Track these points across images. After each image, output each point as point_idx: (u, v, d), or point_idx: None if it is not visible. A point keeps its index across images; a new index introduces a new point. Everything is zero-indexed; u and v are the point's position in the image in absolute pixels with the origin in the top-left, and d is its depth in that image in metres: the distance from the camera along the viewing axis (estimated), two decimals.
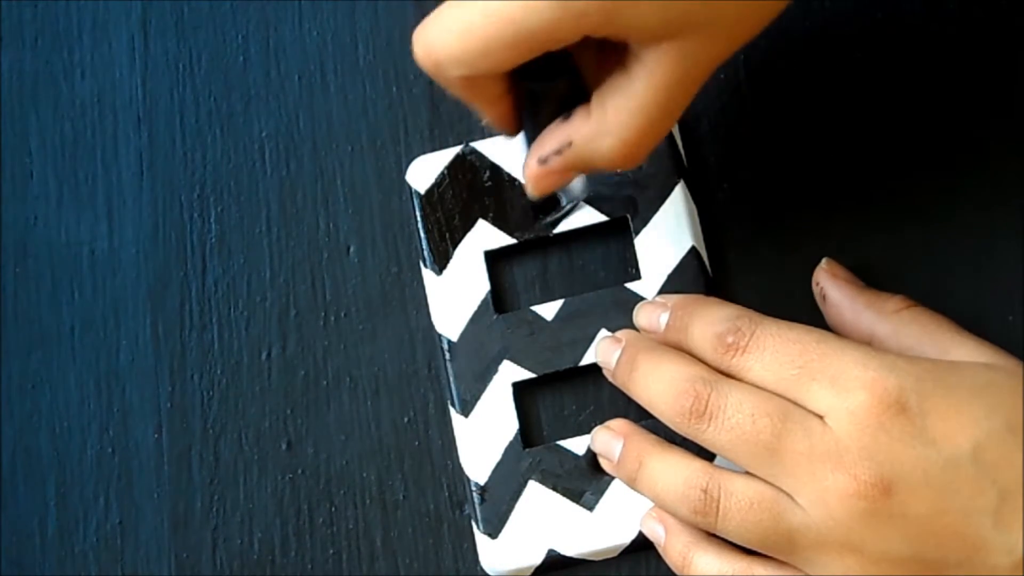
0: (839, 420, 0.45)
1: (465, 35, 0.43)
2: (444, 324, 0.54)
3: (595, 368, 0.53)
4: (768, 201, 0.55)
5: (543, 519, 0.52)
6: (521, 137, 0.49)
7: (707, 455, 0.49)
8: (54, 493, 0.55)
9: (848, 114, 0.55)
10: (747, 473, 0.47)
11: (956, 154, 0.54)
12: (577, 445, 0.53)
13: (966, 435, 0.45)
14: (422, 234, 0.55)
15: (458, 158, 0.55)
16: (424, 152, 0.56)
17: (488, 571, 0.53)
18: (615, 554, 0.53)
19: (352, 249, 0.56)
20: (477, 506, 0.53)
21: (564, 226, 0.54)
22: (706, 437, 0.47)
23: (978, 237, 0.54)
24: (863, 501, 0.45)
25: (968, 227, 0.54)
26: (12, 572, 0.54)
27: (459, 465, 0.54)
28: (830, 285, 0.52)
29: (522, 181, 0.49)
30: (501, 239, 0.54)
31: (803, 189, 0.55)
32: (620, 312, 0.53)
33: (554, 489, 0.53)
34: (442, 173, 0.55)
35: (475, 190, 0.55)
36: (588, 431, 0.53)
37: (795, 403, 0.46)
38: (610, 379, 0.52)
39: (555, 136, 0.47)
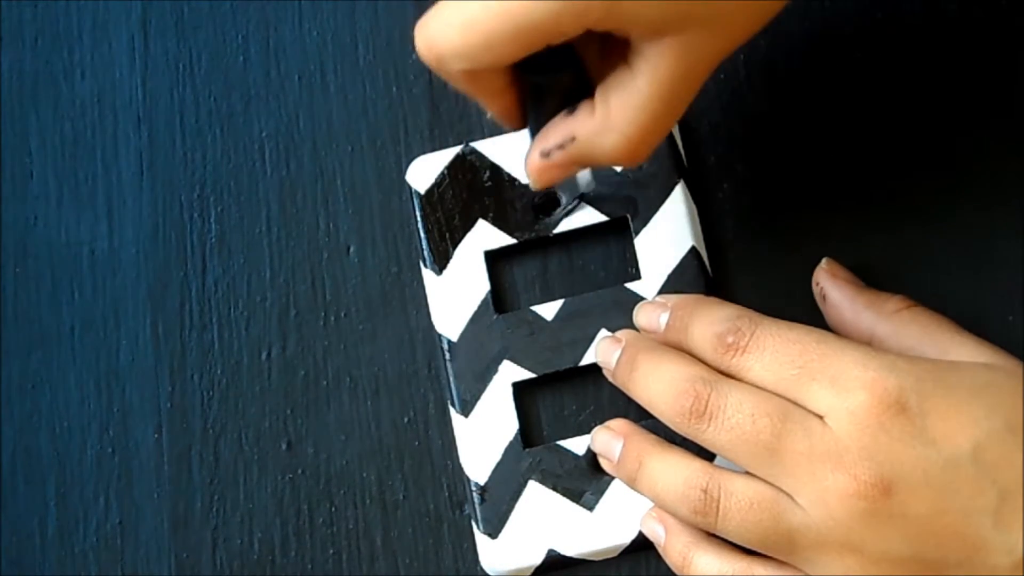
0: (839, 420, 0.45)
1: (467, 28, 0.43)
2: (444, 324, 0.54)
3: (595, 368, 0.53)
4: (768, 201, 0.55)
5: (543, 519, 0.52)
6: (527, 132, 0.48)
7: (707, 455, 0.49)
8: (54, 493, 0.55)
9: (848, 114, 0.55)
10: (747, 473, 0.47)
11: (956, 154, 0.54)
12: (577, 445, 0.53)
13: (966, 435, 0.45)
14: (422, 234, 0.55)
15: (458, 158, 0.55)
16: (424, 152, 0.56)
17: (488, 571, 0.53)
18: (615, 554, 0.53)
19: (352, 249, 0.56)
20: (477, 506, 0.53)
21: (564, 226, 0.54)
22: (706, 437, 0.47)
23: (978, 237, 0.54)
24: (863, 501, 0.45)
25: (968, 227, 0.54)
26: (12, 572, 0.54)
27: (459, 465, 0.54)
28: (830, 285, 0.52)
29: (524, 174, 0.48)
30: (501, 239, 0.54)
31: (803, 189, 0.55)
32: (620, 312, 0.53)
33: (554, 489, 0.53)
34: (442, 173, 0.55)
35: (475, 190, 0.55)
36: (588, 431, 0.53)
37: (795, 403, 0.46)
38: (610, 379, 0.52)
39: (558, 130, 0.46)
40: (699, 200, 0.55)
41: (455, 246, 0.54)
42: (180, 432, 0.55)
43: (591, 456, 0.53)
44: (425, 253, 0.55)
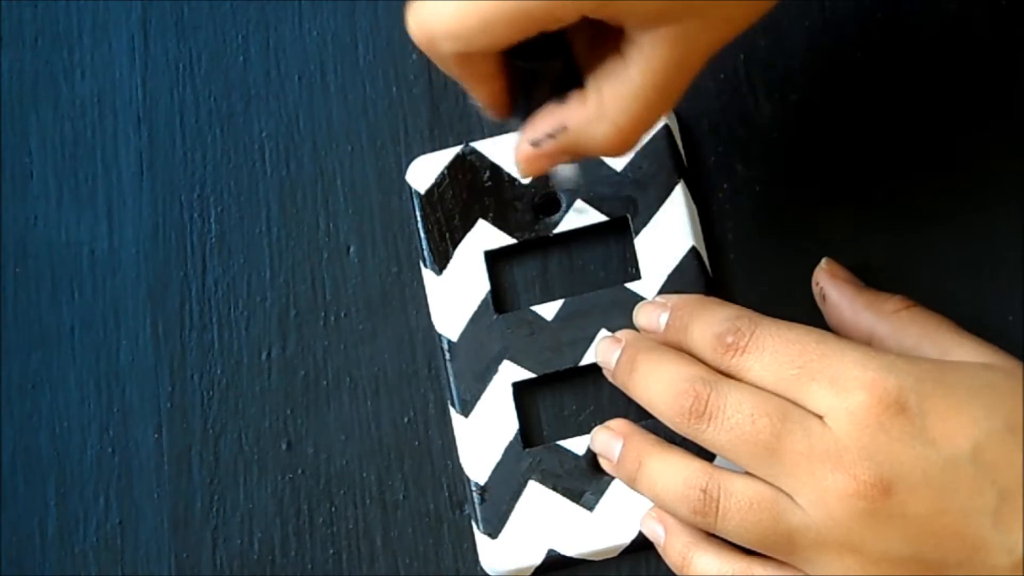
0: (838, 420, 0.45)
1: (462, 11, 0.43)
2: (444, 324, 0.54)
3: (595, 368, 0.53)
4: (768, 201, 0.55)
5: (543, 519, 0.52)
6: (515, 122, 0.48)
7: (707, 455, 0.49)
8: (54, 493, 0.55)
9: (848, 114, 0.55)
10: (747, 473, 0.47)
11: (956, 154, 0.54)
12: (577, 445, 0.53)
13: (965, 435, 0.45)
14: (422, 234, 0.55)
15: (458, 158, 0.55)
16: (424, 152, 0.56)
17: (488, 571, 0.53)
18: (615, 554, 0.53)
19: (352, 249, 0.56)
20: (477, 506, 0.53)
21: (564, 226, 0.54)
22: (706, 437, 0.47)
23: (978, 237, 0.54)
24: (862, 501, 0.45)
25: (968, 227, 0.54)
26: (12, 572, 0.54)
27: (459, 465, 0.53)
28: (830, 285, 0.52)
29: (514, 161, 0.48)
30: (501, 239, 0.54)
31: (803, 189, 0.55)
32: (620, 312, 0.53)
33: (554, 489, 0.53)
34: (442, 173, 0.55)
35: (475, 190, 0.55)
36: (588, 431, 0.53)
37: (795, 403, 0.46)
38: (610, 379, 0.52)
39: (549, 119, 0.46)
40: (699, 200, 0.55)
41: (455, 246, 0.54)
42: (180, 432, 0.55)
43: (591, 456, 0.53)
44: (425, 253, 0.55)
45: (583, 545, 0.52)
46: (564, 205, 0.54)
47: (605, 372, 0.52)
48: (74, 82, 0.58)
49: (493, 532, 0.53)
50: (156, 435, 0.55)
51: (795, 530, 0.46)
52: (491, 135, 0.55)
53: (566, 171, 0.51)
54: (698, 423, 0.47)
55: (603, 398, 0.54)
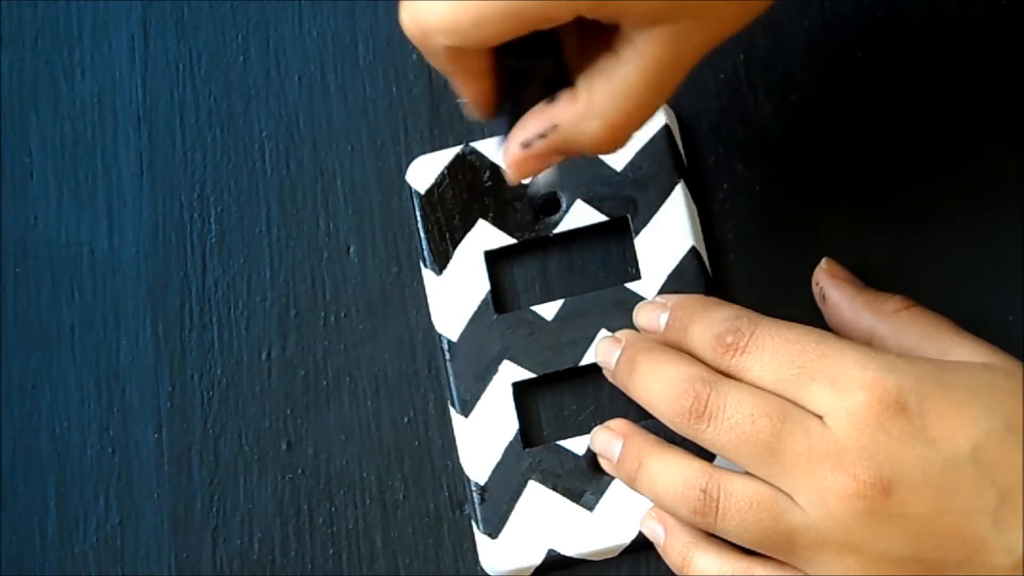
0: (838, 420, 0.45)
1: (456, 5, 0.42)
2: (444, 324, 0.54)
3: (595, 368, 0.53)
4: (768, 201, 0.55)
5: (543, 519, 0.52)
6: (499, 125, 0.48)
7: (707, 455, 0.49)
8: (54, 493, 0.55)
9: (848, 114, 0.55)
10: (747, 473, 0.47)
11: (956, 154, 0.54)
12: (577, 445, 0.53)
13: (965, 435, 0.45)
14: (422, 234, 0.55)
15: (458, 158, 0.55)
16: (424, 152, 0.56)
17: (488, 571, 0.53)
18: (615, 554, 0.53)
19: (352, 249, 0.56)
20: (477, 506, 0.53)
21: (564, 226, 0.54)
22: (705, 437, 0.47)
23: (978, 237, 0.54)
24: (862, 501, 0.45)
25: (968, 227, 0.54)
26: (12, 572, 0.54)
27: (459, 465, 0.53)
28: (830, 285, 0.52)
29: (503, 166, 0.47)
30: (501, 239, 0.54)
31: (803, 189, 0.55)
32: (620, 312, 0.53)
33: (554, 489, 0.53)
34: (442, 173, 0.55)
35: (475, 190, 0.55)
36: (588, 431, 0.53)
37: (794, 403, 0.46)
38: (610, 379, 0.52)
39: (539, 119, 0.46)
40: (699, 200, 0.55)
41: (455, 246, 0.54)
42: (180, 432, 0.55)
43: (591, 456, 0.53)
44: (425, 253, 0.55)
45: (583, 545, 0.52)
46: (564, 205, 0.54)
47: (605, 372, 0.52)
48: (74, 82, 0.58)
49: (493, 532, 0.53)
50: (156, 435, 0.55)
51: (795, 530, 0.46)
52: (491, 135, 0.55)
53: (545, 174, 0.50)
54: (698, 423, 0.47)
55: (603, 398, 0.54)
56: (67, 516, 0.55)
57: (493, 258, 0.55)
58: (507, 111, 0.47)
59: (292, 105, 0.57)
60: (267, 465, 0.55)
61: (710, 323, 0.49)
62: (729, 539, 0.48)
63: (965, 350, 0.49)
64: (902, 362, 0.46)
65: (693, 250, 0.54)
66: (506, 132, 0.47)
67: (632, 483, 0.50)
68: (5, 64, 0.58)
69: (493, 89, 0.46)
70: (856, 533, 0.45)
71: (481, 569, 0.53)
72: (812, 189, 0.55)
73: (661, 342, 0.50)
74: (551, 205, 0.55)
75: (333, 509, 0.54)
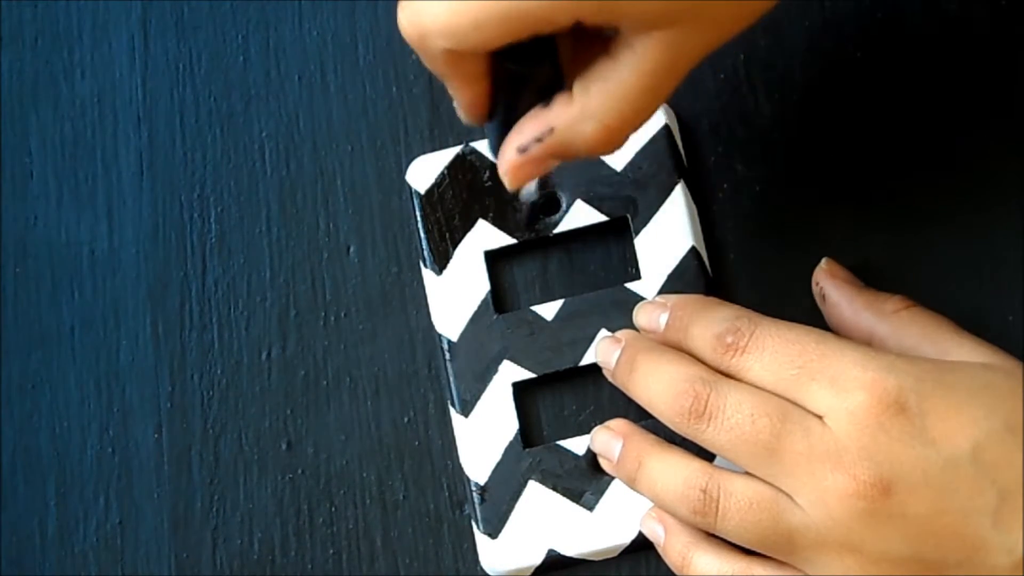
0: (838, 420, 0.45)
1: (457, 8, 0.42)
2: (444, 324, 0.54)
3: (595, 368, 0.53)
4: (768, 201, 0.55)
5: (543, 519, 0.52)
6: (489, 131, 0.47)
7: (707, 455, 0.49)
8: (54, 493, 0.55)
9: (848, 114, 0.55)
10: (747, 473, 0.47)
11: (956, 154, 0.54)
12: (577, 445, 0.53)
13: (965, 435, 0.45)
14: (422, 234, 0.55)
15: (458, 158, 0.55)
16: (424, 152, 0.56)
17: (488, 571, 0.53)
18: (615, 554, 0.53)
19: (352, 249, 0.56)
20: (477, 506, 0.53)
21: (564, 226, 0.54)
22: (705, 437, 0.47)
23: (978, 237, 0.54)
24: (862, 501, 0.45)
25: (968, 227, 0.54)
26: (12, 572, 0.54)
27: (459, 465, 0.53)
28: (830, 285, 0.52)
29: (500, 173, 0.47)
30: (501, 239, 0.54)
31: (803, 189, 0.55)
32: (620, 312, 0.53)
33: (554, 489, 0.53)
34: (442, 173, 0.55)
35: (475, 190, 0.55)
36: (588, 431, 0.53)
37: (794, 403, 0.46)
38: (610, 379, 0.52)
39: (535, 123, 0.45)
40: (699, 200, 0.55)
41: (455, 246, 0.54)
42: (180, 432, 0.55)
43: (591, 456, 0.53)
44: (425, 253, 0.55)
45: (583, 545, 0.52)
46: (564, 205, 0.54)
47: (605, 372, 0.52)
48: (74, 82, 0.58)
49: (493, 532, 0.53)
50: (156, 435, 0.55)
51: (795, 530, 0.46)
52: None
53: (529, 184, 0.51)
54: (698, 423, 0.47)
55: (603, 398, 0.54)
56: (67, 516, 0.55)
57: (493, 258, 0.55)
58: (500, 115, 0.46)
59: (292, 105, 0.57)
60: (267, 465, 0.55)
61: (710, 323, 0.49)
62: (729, 539, 0.48)
63: (965, 350, 0.49)
64: (902, 362, 0.46)
65: (693, 250, 0.54)
66: (498, 136, 0.47)
67: (632, 483, 0.50)
68: (5, 64, 0.58)
69: (487, 94, 0.46)
70: (856, 533, 0.45)
71: (481, 569, 0.53)
72: (812, 189, 0.55)
73: (661, 342, 0.50)
74: (551, 205, 0.55)
75: (333, 509, 0.54)
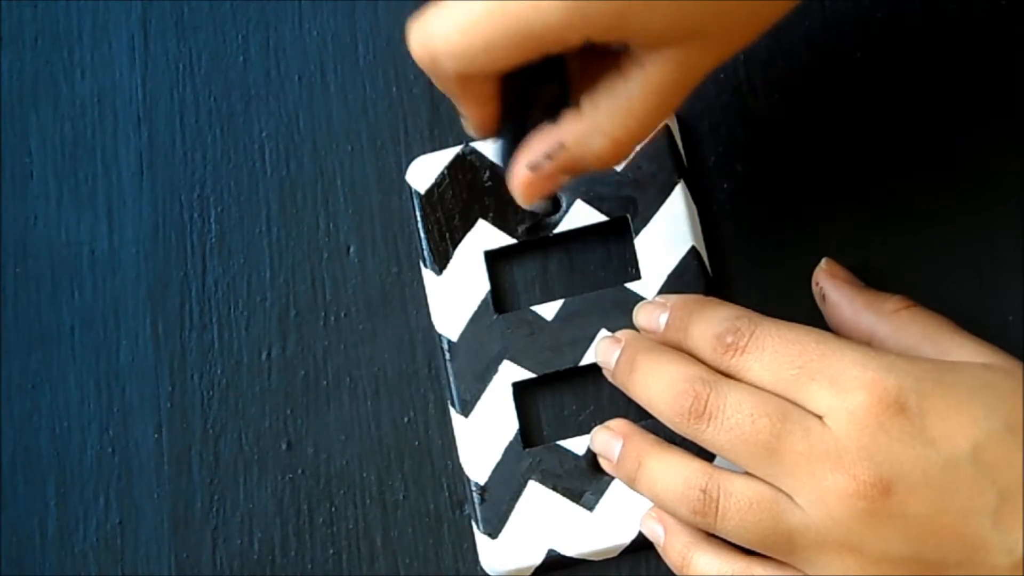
0: (838, 420, 0.45)
1: (468, 31, 0.43)
2: (444, 324, 0.54)
3: (595, 368, 0.53)
4: (768, 201, 0.55)
5: (543, 519, 0.52)
6: (496, 146, 0.48)
7: (707, 455, 0.49)
8: (54, 493, 0.55)
9: (848, 114, 0.55)
10: (746, 473, 0.47)
11: (956, 154, 0.54)
12: (577, 445, 0.53)
13: (965, 435, 0.45)
14: (422, 234, 0.55)
15: (458, 158, 0.55)
16: (424, 152, 0.56)
17: (488, 571, 0.53)
18: (615, 554, 0.53)
19: (352, 249, 0.56)
20: (477, 506, 0.53)
21: (564, 226, 0.54)
22: (705, 437, 0.47)
23: (978, 237, 0.54)
24: (862, 501, 0.45)
25: (968, 227, 0.54)
26: (12, 572, 0.54)
27: (459, 465, 0.54)
28: (829, 285, 0.52)
29: (510, 189, 0.47)
30: (501, 239, 0.54)
31: (803, 189, 0.55)
32: (620, 312, 0.53)
33: (554, 489, 0.53)
34: (442, 173, 0.55)
35: (475, 190, 0.55)
36: (588, 431, 0.53)
37: (794, 403, 0.46)
38: (610, 379, 0.52)
39: (545, 140, 0.46)
40: (699, 200, 0.55)
41: (455, 246, 0.54)
42: (180, 432, 0.55)
43: (591, 456, 0.53)
44: (425, 253, 0.55)
45: (583, 545, 0.52)
46: (564, 205, 0.54)
47: (605, 372, 0.52)
48: (74, 82, 0.58)
49: (493, 532, 0.53)
50: (156, 435, 0.55)
51: (795, 530, 0.46)
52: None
53: None
54: (698, 423, 0.47)
55: (603, 398, 0.54)
56: (67, 516, 0.55)
57: (493, 258, 0.55)
58: (509, 132, 0.47)
59: (292, 105, 0.57)
60: (267, 465, 0.55)
61: (710, 323, 0.49)
62: (729, 539, 0.48)
63: (965, 350, 0.49)
64: (902, 362, 0.46)
65: (693, 250, 0.54)
66: (506, 152, 0.47)
67: (632, 483, 0.50)
68: (5, 64, 0.58)
69: (497, 112, 0.46)
70: (856, 533, 0.45)
71: (481, 569, 0.53)
72: (812, 189, 0.55)
73: (661, 342, 0.50)
74: (551, 205, 0.55)
75: (333, 509, 0.54)
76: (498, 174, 0.55)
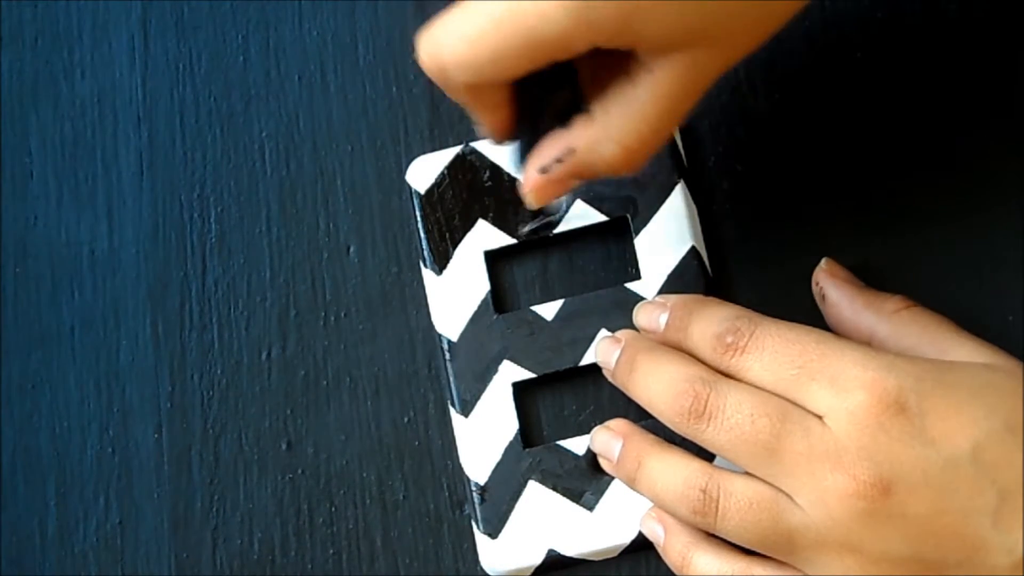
0: (838, 420, 0.45)
1: (475, 42, 0.43)
2: (444, 324, 0.54)
3: (595, 368, 0.53)
4: (768, 201, 0.55)
5: (543, 519, 0.52)
6: (512, 148, 0.48)
7: (707, 455, 0.49)
8: (54, 493, 0.55)
9: (848, 114, 0.55)
10: (746, 473, 0.47)
11: (956, 154, 0.54)
12: (577, 445, 0.53)
13: (965, 435, 0.45)
14: (422, 234, 0.55)
15: (458, 158, 0.55)
16: (424, 152, 0.56)
17: (488, 571, 0.53)
18: (615, 554, 0.53)
19: (352, 249, 0.56)
20: (477, 506, 0.53)
21: (564, 226, 0.54)
22: (705, 437, 0.47)
23: (978, 237, 0.54)
24: (862, 501, 0.45)
25: (968, 227, 0.54)
26: (12, 572, 0.54)
27: (459, 465, 0.54)
28: (830, 285, 0.52)
29: (521, 192, 0.48)
30: (501, 239, 0.54)
31: (803, 189, 0.55)
32: (620, 312, 0.53)
33: (554, 489, 0.53)
34: (442, 173, 0.55)
35: (475, 190, 0.55)
36: (588, 431, 0.53)
37: (794, 403, 0.46)
38: (610, 379, 0.52)
39: (556, 144, 0.46)
40: (699, 200, 0.55)
41: (455, 246, 0.54)
42: (180, 432, 0.55)
43: (591, 456, 0.53)
44: (425, 253, 0.55)
45: (583, 545, 0.52)
46: (564, 205, 0.54)
47: (605, 372, 0.52)
48: (74, 82, 0.58)
49: (493, 532, 0.53)
50: (156, 435, 0.55)
51: (795, 530, 0.46)
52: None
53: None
54: (698, 423, 0.47)
55: (603, 398, 0.54)
56: (67, 516, 0.55)
57: (493, 258, 0.55)
58: (522, 136, 0.47)
59: (292, 105, 0.57)
60: (267, 465, 0.55)
61: (710, 323, 0.49)
62: (729, 539, 0.48)
63: (965, 350, 0.49)
64: (902, 362, 0.46)
65: (693, 250, 0.54)
66: (520, 156, 0.48)
67: (632, 483, 0.50)
68: (5, 64, 0.58)
69: (510, 118, 0.47)
70: (856, 533, 0.45)
71: (481, 569, 0.53)
72: (812, 189, 0.55)
73: (661, 342, 0.50)
74: (551, 205, 0.55)
75: (333, 509, 0.54)
76: (498, 174, 0.55)
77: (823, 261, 0.53)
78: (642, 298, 0.53)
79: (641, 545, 0.52)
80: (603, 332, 0.53)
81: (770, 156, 0.55)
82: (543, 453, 0.53)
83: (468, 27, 0.43)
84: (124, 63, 0.58)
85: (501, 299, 0.55)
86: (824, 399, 0.46)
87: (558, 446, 0.53)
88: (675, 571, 0.50)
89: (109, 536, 0.54)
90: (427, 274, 0.55)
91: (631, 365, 0.50)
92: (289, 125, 0.57)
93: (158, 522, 0.54)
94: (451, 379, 0.54)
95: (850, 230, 0.54)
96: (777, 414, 0.46)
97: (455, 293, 0.54)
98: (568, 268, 0.55)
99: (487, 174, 0.55)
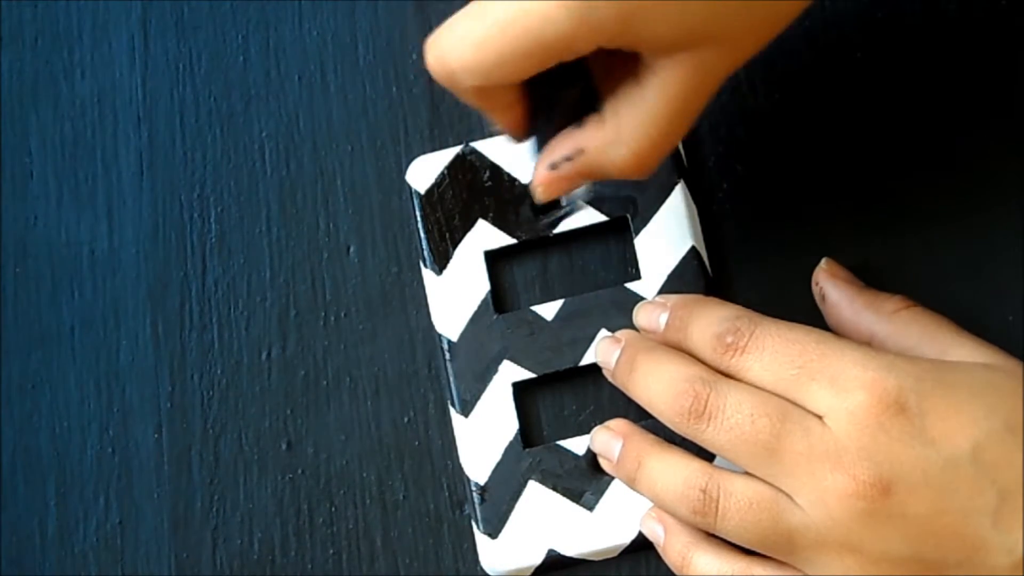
0: (838, 420, 0.45)
1: (480, 46, 0.43)
2: (444, 324, 0.54)
3: (595, 368, 0.53)
4: (768, 201, 0.55)
5: (543, 519, 0.52)
6: (529, 142, 0.48)
7: (707, 455, 0.49)
8: (54, 493, 0.55)
9: (848, 114, 0.55)
10: (746, 473, 0.47)
11: (956, 154, 0.54)
12: (577, 445, 0.53)
13: (965, 435, 0.45)
14: (422, 234, 0.55)
15: (458, 158, 0.55)
16: (424, 152, 0.56)
17: (488, 571, 0.53)
18: (615, 554, 0.53)
19: (352, 249, 0.56)
20: (477, 506, 0.53)
21: (564, 226, 0.54)
22: (705, 437, 0.47)
23: (978, 237, 0.54)
24: (862, 501, 0.45)
25: (968, 227, 0.54)
26: (12, 572, 0.54)
27: (459, 465, 0.53)
28: (830, 285, 0.52)
29: (531, 185, 0.48)
30: (501, 239, 0.54)
31: (803, 189, 0.55)
32: (620, 312, 0.53)
33: (554, 489, 0.53)
34: (442, 173, 0.55)
35: (475, 190, 0.55)
36: (588, 431, 0.53)
37: (794, 403, 0.46)
38: (610, 379, 0.52)
39: (567, 143, 0.47)
40: (699, 200, 0.55)
41: (455, 246, 0.54)
42: (180, 432, 0.55)
43: (591, 456, 0.53)
44: (425, 253, 0.55)
45: (583, 545, 0.52)
46: (564, 205, 0.54)
47: (605, 372, 0.52)
48: (74, 82, 0.58)
49: (493, 532, 0.53)
50: (156, 435, 0.55)
51: (795, 530, 0.46)
52: (491, 135, 0.55)
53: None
54: (698, 423, 0.47)
55: (603, 398, 0.54)
56: (67, 516, 0.55)
57: (493, 258, 0.55)
58: (536, 134, 0.48)
59: (292, 105, 0.57)
60: (267, 465, 0.55)
61: (710, 323, 0.49)
62: (729, 539, 0.48)
63: (965, 350, 0.49)
64: (902, 362, 0.46)
65: (693, 250, 0.54)
66: (539, 149, 0.48)
67: (632, 483, 0.50)
68: (5, 64, 0.58)
69: (524, 117, 0.47)
70: (856, 533, 0.45)
71: (481, 569, 0.53)
72: (812, 189, 0.55)
73: (661, 342, 0.50)
74: (551, 205, 0.55)
75: (333, 509, 0.54)
76: (498, 174, 0.55)
77: (823, 261, 0.53)
78: (642, 298, 0.53)
79: (641, 545, 0.52)
80: (603, 332, 0.53)
81: (770, 156, 0.55)
82: (543, 453, 0.53)
83: (472, 32, 0.43)
84: (124, 63, 0.58)
85: (501, 299, 0.55)
86: (824, 399, 0.46)
87: (558, 446, 0.53)
88: (675, 571, 0.50)
89: (109, 536, 0.54)
90: (427, 274, 0.55)
91: (631, 365, 0.50)
92: (289, 125, 0.57)
93: (158, 522, 0.54)
94: (451, 379, 0.54)
95: (850, 230, 0.54)
96: (777, 414, 0.46)
97: (455, 293, 0.54)
98: (568, 268, 0.55)
99: (487, 174, 0.55)
